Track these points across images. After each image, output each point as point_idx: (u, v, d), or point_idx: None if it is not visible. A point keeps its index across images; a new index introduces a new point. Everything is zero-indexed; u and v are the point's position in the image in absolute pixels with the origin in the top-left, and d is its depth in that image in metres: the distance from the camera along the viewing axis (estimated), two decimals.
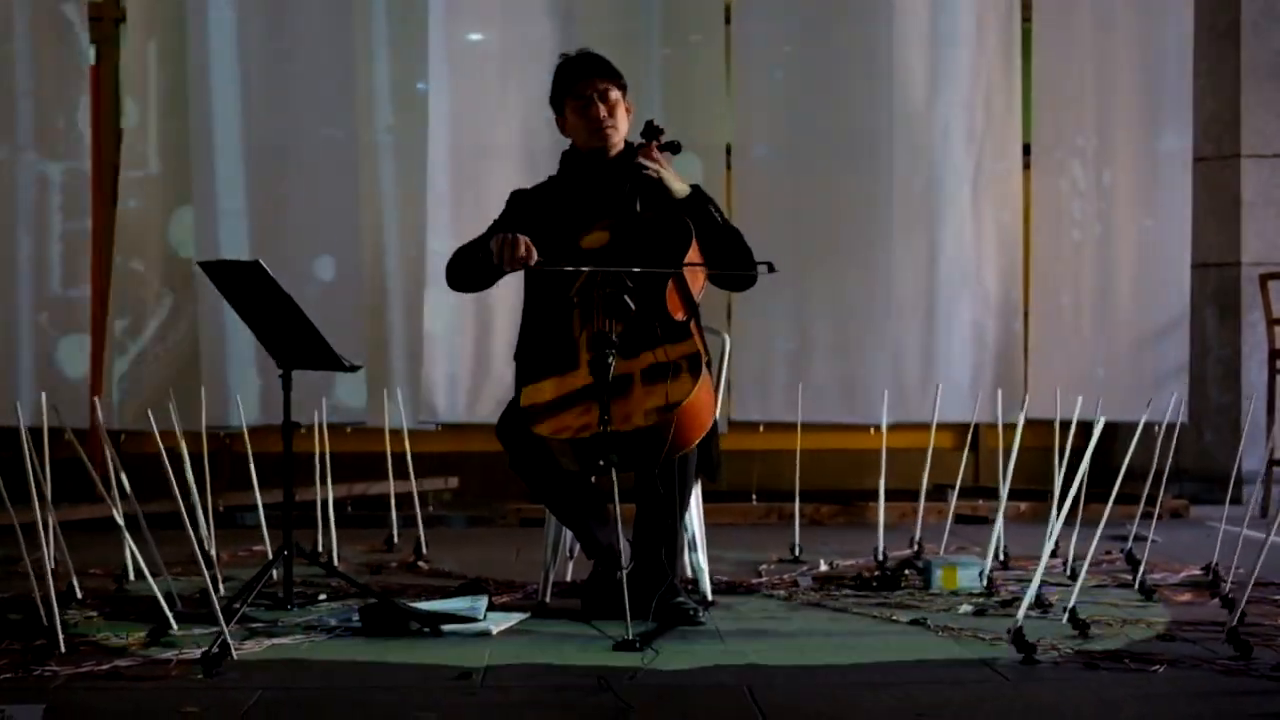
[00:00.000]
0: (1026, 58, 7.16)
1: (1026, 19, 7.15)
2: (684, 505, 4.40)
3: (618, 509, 4.09)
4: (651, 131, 4.58)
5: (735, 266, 4.48)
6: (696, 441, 4.23)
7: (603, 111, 4.56)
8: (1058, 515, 4.41)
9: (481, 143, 6.92)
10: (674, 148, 4.59)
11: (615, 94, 4.59)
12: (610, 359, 4.13)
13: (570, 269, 4.35)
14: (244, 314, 4.57)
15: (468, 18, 6.97)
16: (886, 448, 5.51)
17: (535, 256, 4.35)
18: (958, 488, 5.62)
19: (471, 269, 4.51)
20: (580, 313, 4.35)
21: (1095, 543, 4.46)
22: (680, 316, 4.35)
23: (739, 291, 4.72)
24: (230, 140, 6.85)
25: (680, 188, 4.51)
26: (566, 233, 4.48)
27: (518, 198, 4.70)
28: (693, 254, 4.38)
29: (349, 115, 6.91)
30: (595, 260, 4.38)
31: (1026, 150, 7.18)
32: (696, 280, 4.42)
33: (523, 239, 4.35)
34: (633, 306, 4.26)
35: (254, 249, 6.68)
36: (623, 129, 4.61)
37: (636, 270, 4.28)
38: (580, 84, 4.59)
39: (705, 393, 4.21)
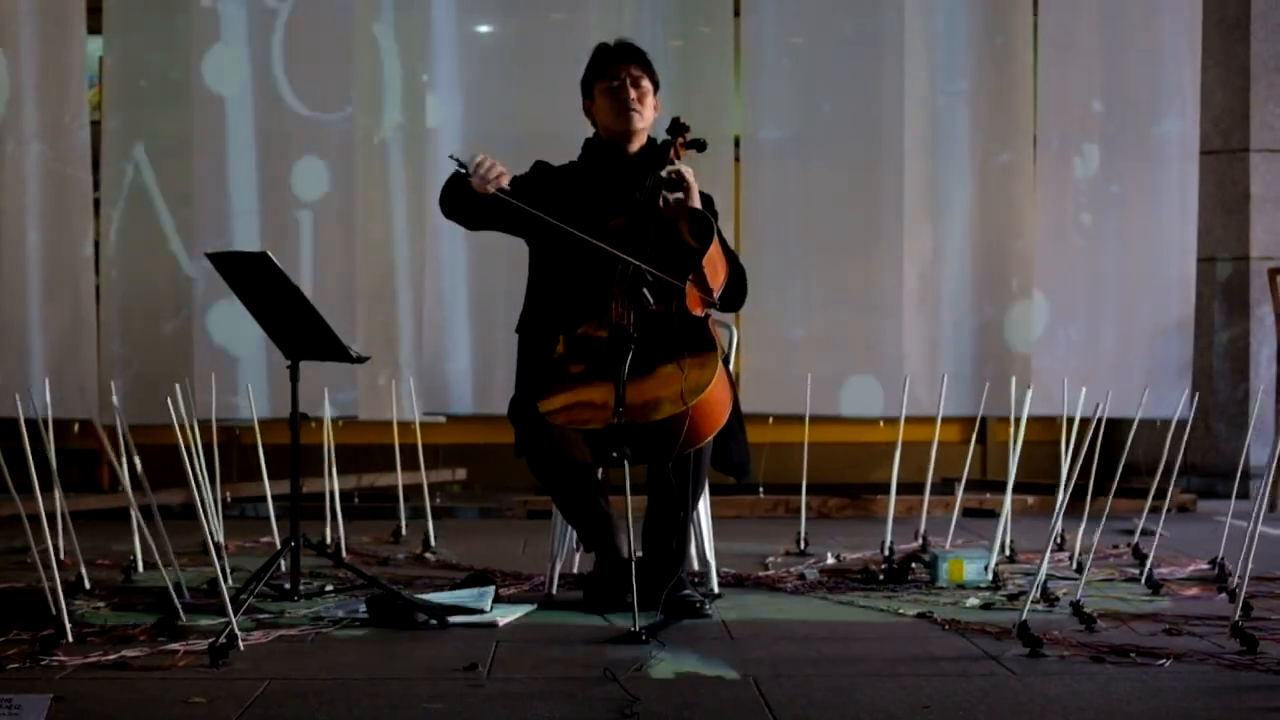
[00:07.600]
0: (1033, 50, 7.14)
1: (1033, 11, 7.13)
2: (695, 499, 4.41)
3: (629, 501, 4.08)
4: (678, 128, 4.54)
5: (735, 288, 4.50)
6: (711, 436, 4.22)
7: (632, 94, 4.53)
8: (1061, 508, 4.41)
9: (489, 134, 6.89)
10: (699, 145, 4.56)
11: (647, 84, 4.57)
12: (627, 351, 4.13)
13: (537, 213, 4.28)
14: (250, 305, 4.56)
15: (475, 9, 6.97)
16: (894, 441, 5.51)
17: (506, 182, 4.30)
18: (964, 481, 5.62)
19: (457, 194, 4.43)
20: (600, 305, 4.32)
21: (1098, 535, 4.46)
22: (699, 312, 4.33)
23: (728, 312, 4.68)
24: (237, 132, 6.85)
25: (696, 200, 4.46)
26: (588, 220, 4.42)
27: (542, 167, 4.66)
28: (714, 250, 4.35)
29: (355, 107, 6.91)
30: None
31: (1033, 142, 7.16)
32: (717, 277, 4.40)
33: (500, 166, 4.31)
34: (652, 300, 4.25)
35: (261, 240, 6.67)
36: (648, 118, 4.58)
37: (640, 263, 4.26)
38: (614, 67, 4.56)
39: (721, 388, 4.19)
